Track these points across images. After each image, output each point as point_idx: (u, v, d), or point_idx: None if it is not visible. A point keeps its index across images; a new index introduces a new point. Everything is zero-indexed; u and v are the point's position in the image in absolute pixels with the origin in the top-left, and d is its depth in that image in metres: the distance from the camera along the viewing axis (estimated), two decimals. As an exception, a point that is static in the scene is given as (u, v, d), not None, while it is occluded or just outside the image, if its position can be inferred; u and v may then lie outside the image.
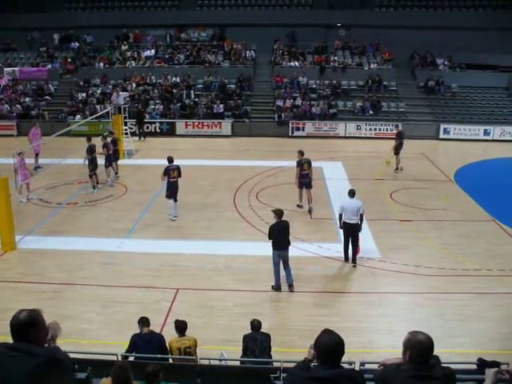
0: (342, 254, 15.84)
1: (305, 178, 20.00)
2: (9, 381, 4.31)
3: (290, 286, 14.10)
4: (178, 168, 19.12)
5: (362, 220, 15.32)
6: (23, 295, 14.00)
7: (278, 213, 14.11)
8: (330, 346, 4.49)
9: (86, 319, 12.79)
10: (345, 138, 33.94)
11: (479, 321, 12.70)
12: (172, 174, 18.97)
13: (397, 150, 25.49)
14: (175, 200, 19.38)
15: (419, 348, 4.51)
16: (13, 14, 41.43)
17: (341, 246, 16.03)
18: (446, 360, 5.55)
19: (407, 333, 4.72)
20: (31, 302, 12.58)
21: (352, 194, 15.52)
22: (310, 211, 20.12)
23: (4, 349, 4.50)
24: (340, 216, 15.43)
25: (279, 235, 13.91)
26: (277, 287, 14.09)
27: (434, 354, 4.69)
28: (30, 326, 4.47)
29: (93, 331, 12.29)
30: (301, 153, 20.19)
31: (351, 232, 15.36)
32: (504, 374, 4.88)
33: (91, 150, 22.48)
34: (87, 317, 12.92)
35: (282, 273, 14.14)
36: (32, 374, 4.32)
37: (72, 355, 8.05)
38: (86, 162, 22.43)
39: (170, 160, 19.16)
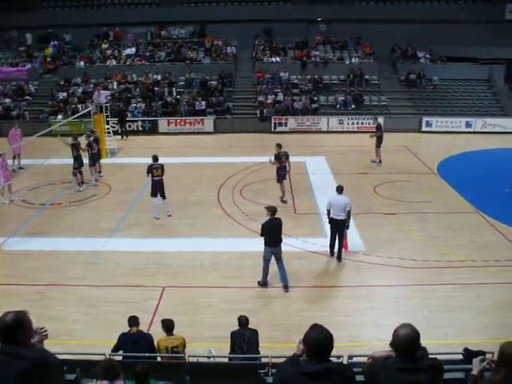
0: (328, 249, 15.89)
1: (283, 170, 20.37)
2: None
3: (286, 287, 14.04)
4: (161, 166, 19.12)
5: (349, 216, 15.34)
6: (8, 297, 13.86)
7: (272, 210, 14.08)
8: (318, 340, 4.52)
9: (74, 320, 12.76)
10: (327, 132, 33.92)
11: (464, 311, 12.81)
12: (156, 172, 18.98)
13: (378, 142, 25.62)
14: (164, 197, 19.36)
15: (405, 340, 4.56)
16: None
17: (326, 241, 16.08)
18: (432, 351, 5.59)
19: (396, 326, 4.75)
20: (17, 304, 12.49)
21: (340, 190, 15.51)
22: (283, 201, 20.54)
23: None
24: (328, 212, 15.45)
25: (272, 232, 13.89)
26: (263, 283, 14.13)
27: (421, 345, 4.74)
28: (16, 328, 4.46)
29: (81, 331, 12.25)
30: (279, 146, 20.58)
31: (338, 228, 15.38)
32: (490, 363, 4.94)
33: (76, 148, 22.39)
34: (74, 317, 12.89)
35: (272, 269, 14.14)
36: (21, 376, 4.30)
37: (61, 356, 8.06)
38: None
39: (155, 159, 19.19)
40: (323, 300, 13.68)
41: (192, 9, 42.76)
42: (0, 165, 20.04)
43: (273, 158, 20.45)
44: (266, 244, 13.93)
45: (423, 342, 4.82)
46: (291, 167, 20.73)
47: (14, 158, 25.11)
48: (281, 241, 14.04)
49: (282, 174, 20.48)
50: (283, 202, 20.48)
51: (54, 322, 12.14)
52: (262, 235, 14.00)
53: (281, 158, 20.27)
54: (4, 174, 20.34)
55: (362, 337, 11.79)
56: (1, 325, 4.45)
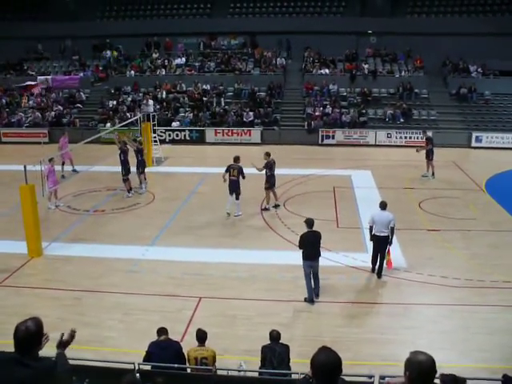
0: (369, 265, 15.61)
1: (272, 178, 20.92)
2: None
3: (316, 295, 13.93)
4: (238, 168, 20.15)
5: (392, 233, 14.98)
6: (47, 301, 14.09)
7: (309, 222, 13.98)
8: (325, 365, 4.35)
9: (108, 327, 12.81)
10: (375, 146, 33.61)
11: (506, 335, 12.35)
12: (232, 172, 20.07)
13: (429, 155, 25.23)
14: (237, 198, 20.31)
15: (419, 369, 4.33)
16: (45, 24, 41.87)
17: (367, 256, 15.84)
18: (470, 375, 5.38)
19: (409, 352, 4.54)
20: (55, 308, 12.73)
21: (383, 206, 15.21)
22: (276, 206, 21.18)
23: (3, 359, 4.57)
24: (371, 228, 15.19)
25: (310, 245, 13.76)
26: (309, 299, 13.86)
27: (452, 372, 4.53)
28: (37, 335, 4.70)
29: (113, 339, 12.27)
30: (268, 154, 21.03)
31: (380, 244, 15.08)
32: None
33: (124, 154, 22.67)
34: (109, 324, 12.93)
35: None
36: None
37: (91, 363, 8.07)
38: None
39: (235, 159, 20.38)
40: (359, 316, 13.40)
41: (243, 20, 43.05)
42: (48, 170, 20.33)
43: (257, 165, 20.96)
44: (304, 258, 13.78)
45: (462, 364, 4.62)
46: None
47: (63, 164, 25.46)
48: (319, 254, 13.87)
49: (272, 181, 20.96)
50: (266, 209, 20.95)
51: (88, 328, 12.21)
52: (300, 247, 13.87)
53: (272, 167, 20.75)
54: (52, 179, 20.64)
55: (396, 356, 11.41)
56: (24, 334, 4.63)
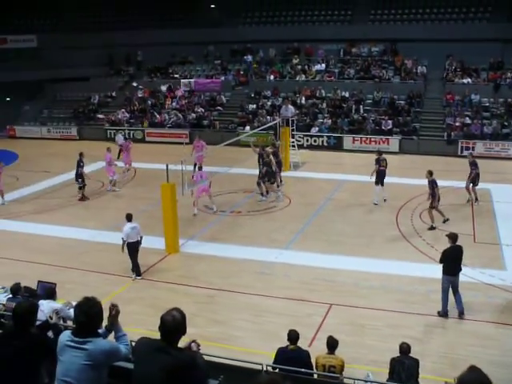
0: (508, 284, 14.89)
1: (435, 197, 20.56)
2: (149, 375, 4.90)
3: (461, 313, 13.49)
4: (385, 159, 22.66)
5: None
6: (182, 297, 14.67)
7: (453, 236, 13.65)
8: None
9: (237, 326, 13.11)
10: (517, 159, 31.97)
11: None
12: (382, 163, 22.38)
13: None
14: (382, 185, 22.50)
15: None
16: (191, 30, 43.32)
17: (505, 274, 15.21)
18: None
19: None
20: (189, 305, 13.07)
21: None
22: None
23: (150, 346, 5.11)
24: None
25: (453, 260, 13.42)
26: (444, 313, 13.50)
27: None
28: (183, 324, 5.09)
29: (242, 339, 12.54)
30: (430, 173, 20.41)
31: None
32: None
33: (262, 158, 23.11)
34: (238, 324, 13.23)
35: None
36: (170, 374, 4.82)
37: (219, 360, 8.19)
38: None
39: (379, 153, 22.79)
40: (496, 337, 12.79)
41: (383, 26, 42.37)
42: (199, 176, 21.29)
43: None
44: (445, 273, 13.42)
45: None
46: None
47: (195, 166, 26.12)
48: (460, 270, 13.48)
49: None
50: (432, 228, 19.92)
51: (218, 326, 12.54)
52: (441, 262, 13.53)
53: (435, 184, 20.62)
54: (202, 187, 21.41)
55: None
56: (172, 323, 5.00)
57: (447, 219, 20.15)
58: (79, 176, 23.86)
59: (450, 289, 13.42)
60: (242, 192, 24.65)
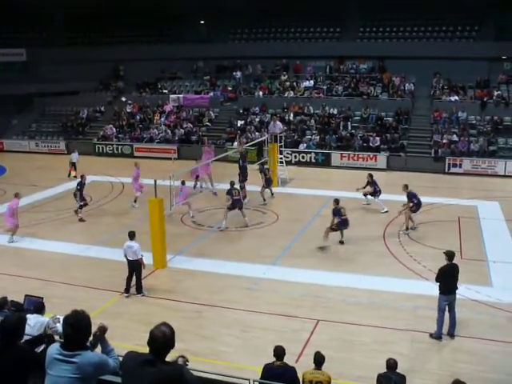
0: (494, 300, 15.01)
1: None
2: None
3: (452, 335, 13.40)
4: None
5: None
6: (169, 312, 14.63)
7: (450, 254, 13.66)
8: None
9: (224, 342, 13.13)
10: (504, 176, 32.14)
11: None
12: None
13: None
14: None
15: None
16: (180, 46, 43.66)
17: (491, 290, 15.26)
18: None
19: None
20: (177, 320, 13.05)
21: None
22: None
23: (138, 359, 5.11)
24: None
25: (450, 278, 13.37)
26: (437, 336, 13.35)
27: None
28: (172, 339, 5.10)
29: (228, 354, 12.52)
30: (406, 187, 21.55)
31: None
32: None
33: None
34: (225, 339, 13.23)
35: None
36: None
37: (206, 375, 8.20)
38: None
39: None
40: (482, 353, 12.78)
41: (372, 44, 42.87)
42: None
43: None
44: (442, 292, 13.33)
45: None
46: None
47: (197, 177, 26.74)
48: (456, 288, 13.46)
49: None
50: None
51: (205, 341, 12.54)
52: (437, 280, 13.52)
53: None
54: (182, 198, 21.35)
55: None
56: (162, 337, 5.03)
57: (414, 228, 20.99)
58: (78, 196, 23.38)
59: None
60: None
